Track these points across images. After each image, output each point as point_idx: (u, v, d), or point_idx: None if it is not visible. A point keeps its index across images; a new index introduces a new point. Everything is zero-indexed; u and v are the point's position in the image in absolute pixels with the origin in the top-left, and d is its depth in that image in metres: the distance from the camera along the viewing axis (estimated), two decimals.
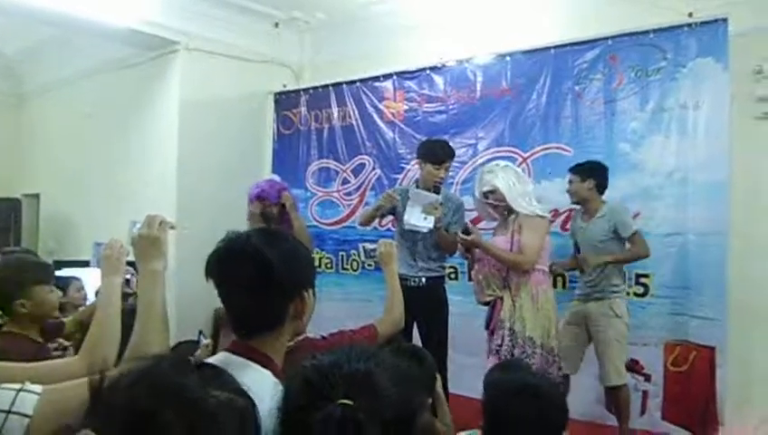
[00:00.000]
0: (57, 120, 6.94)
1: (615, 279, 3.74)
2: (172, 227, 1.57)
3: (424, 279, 3.71)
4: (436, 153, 3.80)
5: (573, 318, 3.82)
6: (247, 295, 1.27)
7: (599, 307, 3.72)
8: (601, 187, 3.79)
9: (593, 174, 3.74)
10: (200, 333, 2.76)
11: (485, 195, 3.52)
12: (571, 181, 3.81)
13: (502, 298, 3.37)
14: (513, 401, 1.66)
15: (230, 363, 1.21)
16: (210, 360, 1.30)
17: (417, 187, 3.82)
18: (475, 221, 4.03)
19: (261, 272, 1.25)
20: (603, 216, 3.75)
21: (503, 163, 3.59)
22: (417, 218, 3.61)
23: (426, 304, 3.64)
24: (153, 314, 1.45)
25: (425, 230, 3.62)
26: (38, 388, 1.17)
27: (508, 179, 3.42)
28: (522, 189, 3.42)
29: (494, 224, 3.74)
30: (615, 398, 3.72)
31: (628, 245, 3.75)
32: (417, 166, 4.91)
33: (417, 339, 3.68)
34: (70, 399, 1.17)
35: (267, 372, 1.24)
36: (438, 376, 2.37)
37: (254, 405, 0.91)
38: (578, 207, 3.91)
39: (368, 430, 0.88)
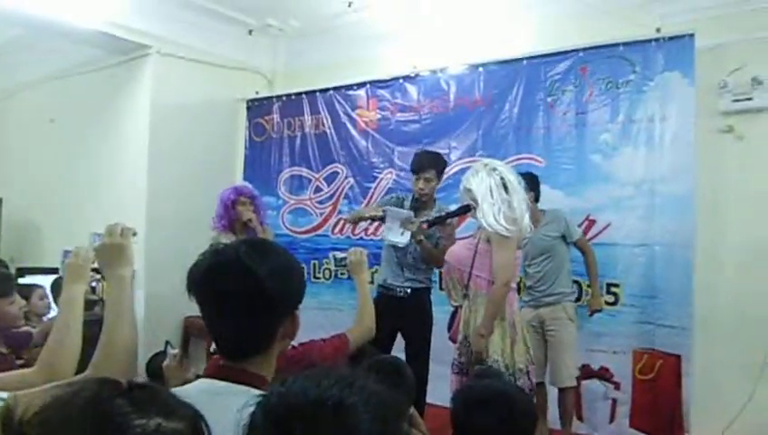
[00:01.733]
0: (22, 124, 6.77)
1: (564, 284, 3.82)
2: (134, 234, 1.54)
3: (409, 290, 3.70)
4: (413, 163, 3.80)
5: (529, 324, 3.81)
6: (236, 317, 1.18)
7: (552, 311, 3.77)
8: (538, 197, 3.86)
9: (532, 186, 3.74)
10: (167, 343, 2.70)
11: (466, 190, 3.26)
12: None
13: (461, 307, 3.21)
14: (479, 409, 1.65)
15: (214, 390, 1.13)
16: (191, 387, 1.21)
17: (413, 198, 3.80)
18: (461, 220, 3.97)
19: (252, 293, 1.17)
20: (548, 223, 3.82)
21: (497, 164, 3.19)
22: (395, 234, 3.63)
23: (410, 315, 3.64)
24: (121, 321, 1.41)
25: (402, 245, 3.63)
26: (3, 394, 1.14)
27: (488, 183, 3.05)
28: (497, 199, 3.04)
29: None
30: (563, 399, 3.75)
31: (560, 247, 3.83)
32: (389, 175, 4.96)
33: (397, 348, 3.66)
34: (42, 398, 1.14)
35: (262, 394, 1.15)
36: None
37: (197, 425, 0.81)
38: None
39: None
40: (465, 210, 3.40)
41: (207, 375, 1.23)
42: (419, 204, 3.75)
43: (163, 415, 0.77)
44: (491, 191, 3.03)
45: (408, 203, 3.80)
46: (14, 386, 1.34)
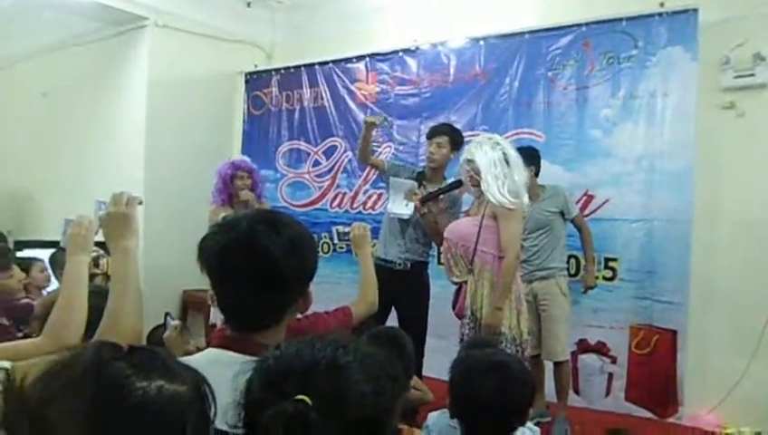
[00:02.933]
0: (16, 96, 6.71)
1: (559, 259, 3.84)
2: (140, 202, 1.51)
3: (409, 264, 3.71)
4: (429, 130, 3.82)
5: (524, 299, 3.83)
6: (250, 292, 1.18)
7: (546, 286, 3.79)
8: (538, 171, 3.85)
9: (533, 161, 3.76)
10: (167, 314, 2.70)
11: (467, 161, 3.31)
12: None
13: (467, 282, 3.25)
14: (478, 379, 1.66)
15: (222, 360, 1.13)
16: (197, 357, 1.20)
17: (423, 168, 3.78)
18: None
19: (267, 269, 1.17)
20: (547, 198, 3.83)
21: (500, 139, 3.26)
22: (399, 206, 3.64)
23: (408, 289, 3.65)
24: (127, 291, 1.40)
25: (406, 217, 3.63)
26: (7, 364, 1.14)
27: (492, 157, 3.11)
28: (500, 173, 3.10)
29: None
30: (558, 373, 3.80)
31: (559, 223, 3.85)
32: (388, 149, 4.94)
33: (392, 322, 3.67)
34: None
35: None
36: None
37: (200, 388, 0.81)
38: None
39: (322, 431, 0.78)
40: (457, 185, 3.50)
41: (215, 345, 1.23)
42: (428, 174, 3.73)
43: (165, 377, 0.77)
44: (495, 164, 3.10)
45: (420, 170, 3.80)
46: (20, 355, 1.35)
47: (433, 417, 2.13)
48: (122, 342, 1.27)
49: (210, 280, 1.22)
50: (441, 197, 3.59)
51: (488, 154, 3.12)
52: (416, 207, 3.58)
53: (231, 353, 1.17)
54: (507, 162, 3.12)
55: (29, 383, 0.78)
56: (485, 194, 3.13)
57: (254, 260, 1.17)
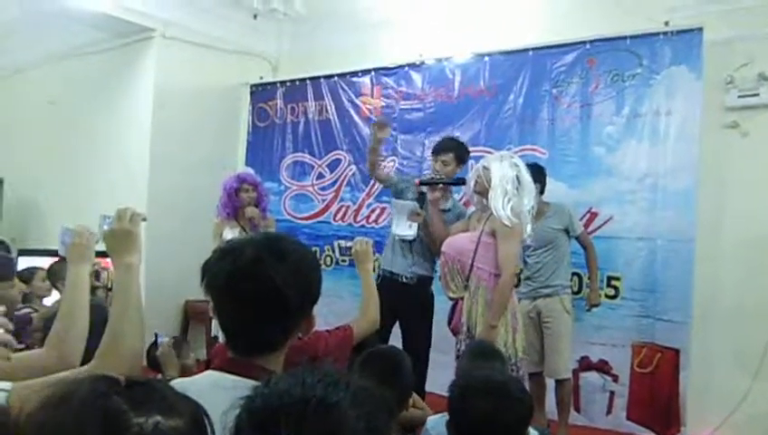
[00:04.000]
0: (23, 104, 6.75)
1: (563, 276, 3.83)
2: (144, 219, 1.51)
3: (415, 278, 3.70)
4: (435, 145, 3.81)
5: (527, 316, 3.82)
6: (254, 319, 1.19)
7: (550, 303, 3.78)
8: (544, 188, 3.86)
9: (538, 177, 3.75)
10: (156, 335, 2.66)
11: (483, 168, 3.30)
12: None
13: (463, 298, 3.24)
14: (475, 400, 1.66)
15: (223, 384, 1.12)
16: (198, 380, 1.20)
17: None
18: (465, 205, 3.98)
19: (273, 299, 1.17)
20: (552, 215, 3.82)
21: (519, 162, 3.27)
22: (403, 228, 3.64)
23: (413, 304, 3.64)
24: (128, 309, 1.39)
25: (410, 238, 3.64)
26: (7, 385, 1.13)
27: (507, 174, 3.14)
28: (510, 190, 3.13)
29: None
30: (560, 391, 3.78)
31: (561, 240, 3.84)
32: (392, 163, 4.95)
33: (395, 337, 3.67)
34: (41, 395, 1.14)
35: None
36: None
37: (199, 422, 0.79)
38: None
39: None
40: (459, 182, 3.56)
41: (216, 368, 1.23)
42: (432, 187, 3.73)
43: (162, 412, 0.75)
44: (507, 181, 3.14)
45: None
46: (21, 367, 1.35)
47: (432, 421, 2.13)
48: (123, 361, 1.27)
49: (213, 303, 1.23)
50: (439, 186, 3.58)
51: (505, 170, 3.16)
52: (419, 227, 3.59)
53: (232, 377, 1.16)
54: (519, 184, 3.16)
55: (25, 417, 0.77)
56: (489, 203, 3.15)
57: (259, 289, 1.18)
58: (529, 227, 3.21)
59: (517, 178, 3.16)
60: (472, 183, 3.35)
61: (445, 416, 1.85)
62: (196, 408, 0.81)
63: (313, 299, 1.26)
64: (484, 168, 3.23)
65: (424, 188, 3.65)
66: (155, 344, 2.65)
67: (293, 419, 0.79)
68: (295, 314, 1.22)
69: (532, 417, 1.77)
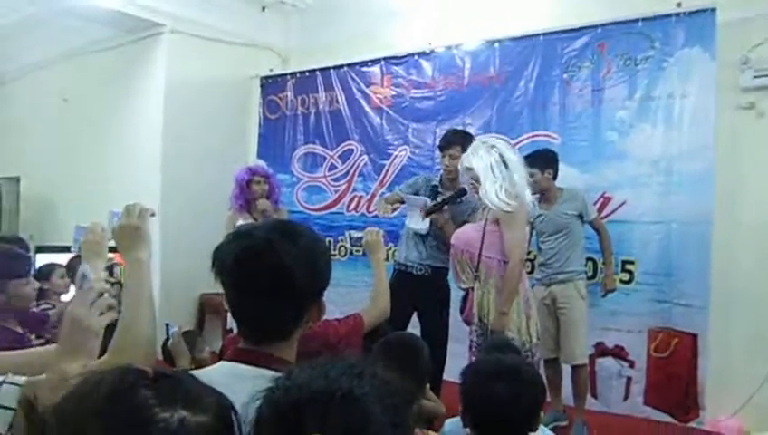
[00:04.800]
0: (37, 102, 6.81)
1: (577, 262, 3.80)
2: (153, 214, 1.50)
3: (429, 269, 3.69)
4: (440, 140, 3.79)
5: (542, 303, 3.79)
6: (263, 302, 1.17)
7: (565, 289, 3.76)
8: (556, 174, 3.83)
9: (550, 163, 3.75)
10: (167, 325, 2.67)
11: (466, 169, 3.26)
12: (532, 175, 3.50)
13: (473, 288, 3.22)
14: (487, 385, 1.65)
15: (238, 374, 1.11)
16: (211, 372, 1.19)
17: (440, 178, 3.78)
18: None
19: (281, 280, 1.16)
20: (566, 201, 3.80)
21: (495, 142, 3.22)
22: (416, 222, 3.64)
23: (429, 295, 3.64)
24: (141, 303, 1.38)
25: (423, 232, 3.64)
26: (20, 379, 1.14)
27: (488, 161, 3.07)
28: (498, 176, 3.06)
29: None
30: (576, 377, 3.77)
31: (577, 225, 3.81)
32: (403, 152, 4.95)
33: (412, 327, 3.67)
34: (54, 388, 1.15)
35: None
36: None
37: (225, 417, 0.78)
38: (535, 196, 3.82)
39: None
40: (461, 194, 3.52)
41: (228, 358, 1.23)
42: (446, 184, 3.72)
43: (188, 407, 0.75)
44: (492, 169, 3.07)
45: (436, 182, 3.78)
46: (36, 363, 1.36)
47: (449, 423, 2.12)
48: (136, 355, 1.28)
49: (224, 289, 1.23)
50: (445, 208, 3.59)
51: (484, 159, 3.08)
52: (432, 221, 3.58)
53: (246, 367, 1.16)
54: (505, 164, 3.08)
55: (52, 408, 0.77)
56: (483, 199, 3.12)
57: (269, 269, 1.16)
58: (529, 197, 3.13)
59: (501, 157, 3.08)
60: (468, 186, 3.32)
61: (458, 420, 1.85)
62: (222, 403, 0.79)
63: (323, 285, 1.24)
64: (467, 169, 3.16)
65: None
66: (167, 336, 2.67)
67: (318, 412, 0.77)
68: (305, 298, 1.21)
69: (545, 401, 1.77)
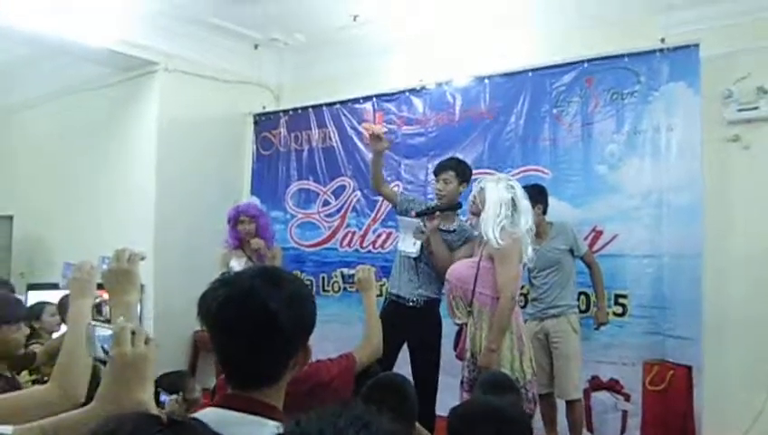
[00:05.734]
0: (30, 140, 6.83)
1: (569, 296, 3.82)
2: (143, 258, 1.54)
3: (422, 301, 3.67)
4: (436, 166, 3.84)
5: (535, 337, 3.78)
6: (248, 347, 1.18)
7: (558, 324, 3.76)
8: (546, 209, 3.86)
9: (540, 198, 3.78)
10: (158, 393, 2.52)
11: (480, 189, 3.34)
12: None
13: (467, 324, 3.25)
14: (473, 425, 1.65)
15: (226, 421, 1.12)
16: (201, 417, 1.15)
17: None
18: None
19: (266, 324, 1.17)
20: (556, 236, 3.83)
21: (517, 185, 3.29)
22: (408, 245, 3.66)
23: (420, 327, 3.63)
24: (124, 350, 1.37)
25: (414, 255, 3.64)
26: (8, 429, 1.13)
27: (502, 196, 3.15)
28: (503, 213, 3.13)
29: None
30: (571, 411, 3.75)
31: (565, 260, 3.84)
32: (396, 188, 4.97)
33: (401, 361, 3.65)
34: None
35: (274, 424, 1.12)
36: None
37: None
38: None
39: None
40: (455, 207, 3.60)
41: (217, 404, 1.22)
42: (435, 206, 3.72)
43: None
44: (501, 205, 3.15)
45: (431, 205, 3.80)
46: (31, 405, 1.35)
47: None
48: (124, 406, 1.26)
49: (210, 335, 1.23)
50: (437, 214, 3.60)
51: (500, 192, 3.17)
52: (423, 245, 3.60)
53: (233, 413, 1.16)
54: (515, 206, 3.16)
55: None
56: (480, 225, 3.18)
57: (254, 314, 1.17)
58: (530, 250, 3.21)
59: (513, 200, 3.17)
60: (469, 203, 3.37)
61: None
62: None
63: (308, 329, 1.25)
64: (481, 188, 3.26)
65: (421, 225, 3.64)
66: (160, 404, 2.55)
67: None
68: (290, 341, 1.21)
69: None
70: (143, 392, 1.19)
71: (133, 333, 1.16)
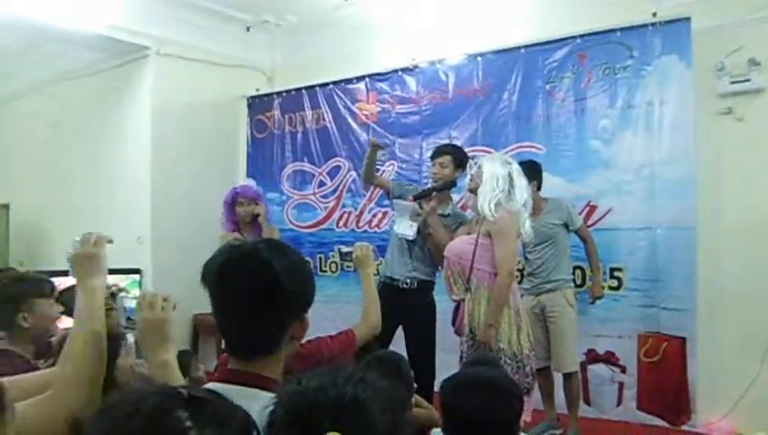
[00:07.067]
0: (25, 128, 6.82)
1: (565, 271, 3.85)
2: (110, 241, 1.50)
3: (416, 283, 3.69)
4: (433, 150, 3.86)
5: (531, 312, 3.80)
6: (249, 310, 1.19)
7: (553, 298, 3.80)
8: (540, 185, 3.89)
9: (534, 174, 3.78)
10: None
11: (477, 166, 3.38)
12: None
13: (465, 300, 3.28)
14: (464, 395, 1.68)
15: (227, 394, 1.08)
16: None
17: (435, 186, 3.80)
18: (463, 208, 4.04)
19: (268, 287, 1.18)
20: (551, 211, 3.85)
21: (513, 162, 3.31)
22: (404, 227, 3.67)
23: (415, 308, 3.65)
24: (91, 331, 1.36)
25: (410, 237, 3.66)
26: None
27: (498, 172, 3.20)
28: (498, 188, 3.17)
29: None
30: (568, 384, 3.80)
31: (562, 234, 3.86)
32: (391, 167, 4.99)
33: (396, 340, 3.69)
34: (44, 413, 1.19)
35: (269, 396, 1.10)
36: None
37: (249, 432, 0.85)
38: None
39: None
40: (450, 186, 3.64)
41: (217, 380, 1.24)
42: (434, 188, 3.74)
43: (219, 426, 0.80)
44: (497, 179, 3.20)
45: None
46: (34, 386, 1.38)
47: (435, 434, 2.15)
48: (78, 391, 1.27)
49: (211, 299, 1.24)
50: (434, 194, 3.63)
51: (496, 169, 3.23)
52: (419, 228, 3.62)
53: (234, 387, 1.17)
54: (511, 181, 3.21)
55: (87, 425, 0.81)
56: (477, 200, 3.23)
57: (256, 271, 1.19)
58: (527, 223, 3.24)
59: (509, 175, 3.21)
60: (468, 181, 3.41)
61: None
62: (247, 420, 0.86)
63: (308, 300, 1.27)
64: (478, 166, 3.32)
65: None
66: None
67: (333, 414, 0.87)
68: (290, 309, 1.22)
69: (522, 410, 1.79)
70: (166, 353, 1.34)
71: (164, 299, 1.38)
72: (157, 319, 1.37)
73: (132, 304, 1.49)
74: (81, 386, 1.30)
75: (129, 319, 2.79)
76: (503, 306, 3.14)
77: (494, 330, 3.11)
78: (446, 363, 3.58)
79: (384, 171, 4.91)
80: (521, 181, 3.24)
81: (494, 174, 3.20)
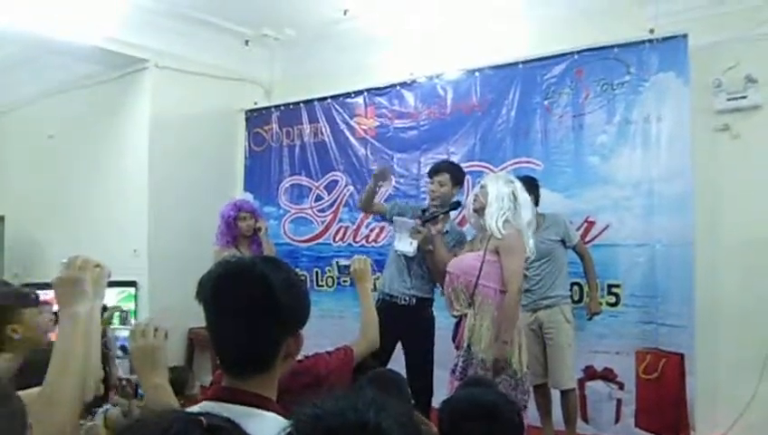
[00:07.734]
0: (21, 140, 6.81)
1: (562, 287, 3.84)
2: (97, 265, 1.47)
3: (414, 299, 3.69)
4: (431, 167, 3.86)
5: (529, 328, 3.79)
6: (244, 324, 1.18)
7: (550, 314, 3.79)
8: (538, 200, 3.88)
9: (532, 190, 3.75)
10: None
11: (481, 186, 3.41)
12: None
13: (467, 315, 3.26)
14: (464, 421, 1.65)
15: (223, 413, 1.13)
16: (194, 410, 1.16)
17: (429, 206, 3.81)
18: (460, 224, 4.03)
19: (264, 303, 1.17)
20: (548, 227, 3.85)
21: (516, 180, 3.36)
22: (405, 244, 3.67)
23: (413, 325, 3.64)
24: (67, 366, 1.30)
25: (410, 254, 3.65)
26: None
27: (502, 191, 3.24)
28: (505, 206, 3.21)
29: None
30: (566, 401, 3.78)
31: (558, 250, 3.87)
32: (389, 183, 4.96)
33: (395, 358, 3.66)
34: None
35: (271, 415, 1.15)
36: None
37: None
38: None
39: None
40: (455, 206, 3.66)
41: (211, 397, 1.23)
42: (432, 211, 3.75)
43: None
44: (502, 198, 3.23)
45: (424, 207, 3.82)
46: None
47: None
48: (57, 416, 1.24)
49: (206, 314, 1.23)
50: (440, 217, 3.63)
51: (500, 188, 3.26)
52: (419, 246, 3.61)
53: (227, 405, 1.15)
54: (516, 199, 3.24)
55: None
56: (485, 219, 3.23)
57: (253, 285, 1.18)
58: (531, 242, 3.25)
59: (513, 194, 3.24)
60: (471, 201, 3.42)
61: None
62: None
63: (303, 315, 1.25)
64: (482, 186, 3.33)
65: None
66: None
67: None
68: (285, 325, 1.21)
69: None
70: (157, 377, 1.43)
71: (156, 328, 1.49)
72: (148, 346, 1.45)
73: (124, 333, 1.53)
74: (58, 410, 1.27)
75: (122, 347, 2.78)
76: (515, 322, 3.16)
77: (507, 346, 3.11)
78: (444, 380, 3.56)
79: (382, 186, 4.89)
80: (525, 199, 3.28)
81: (499, 194, 3.24)
